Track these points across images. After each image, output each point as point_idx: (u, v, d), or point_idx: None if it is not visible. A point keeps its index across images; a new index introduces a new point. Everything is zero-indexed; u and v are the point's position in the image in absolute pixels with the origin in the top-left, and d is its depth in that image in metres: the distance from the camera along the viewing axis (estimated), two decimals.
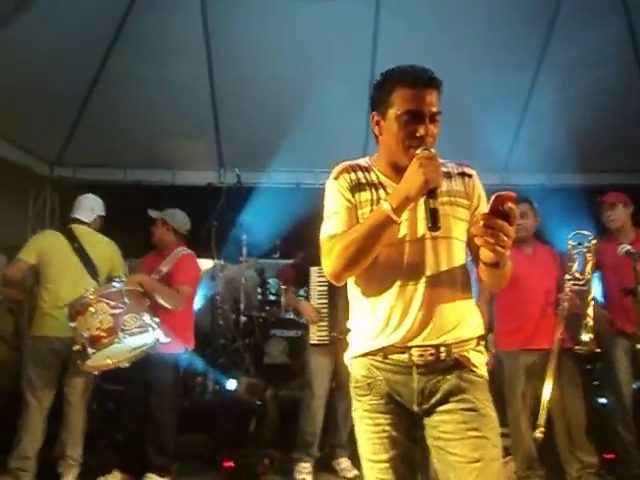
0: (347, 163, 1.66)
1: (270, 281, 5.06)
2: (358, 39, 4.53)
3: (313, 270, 3.57)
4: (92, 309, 2.96)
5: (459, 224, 1.60)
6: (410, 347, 1.55)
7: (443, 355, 1.55)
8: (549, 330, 3.06)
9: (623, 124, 4.73)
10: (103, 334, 2.93)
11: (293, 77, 4.64)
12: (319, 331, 3.51)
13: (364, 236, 1.49)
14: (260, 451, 3.64)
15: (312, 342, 3.54)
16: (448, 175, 1.63)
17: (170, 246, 3.65)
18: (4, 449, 3.21)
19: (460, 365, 1.57)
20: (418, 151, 1.47)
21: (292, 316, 4.75)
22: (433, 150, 1.48)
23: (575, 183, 5.19)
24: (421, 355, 1.55)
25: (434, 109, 1.53)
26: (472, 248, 1.59)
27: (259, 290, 5.05)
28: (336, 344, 3.43)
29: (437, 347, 1.54)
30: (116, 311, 2.99)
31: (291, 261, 5.11)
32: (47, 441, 3.26)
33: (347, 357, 1.69)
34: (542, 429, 2.92)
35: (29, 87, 4.11)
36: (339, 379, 3.53)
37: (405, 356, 1.55)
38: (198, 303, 4.83)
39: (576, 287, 3.03)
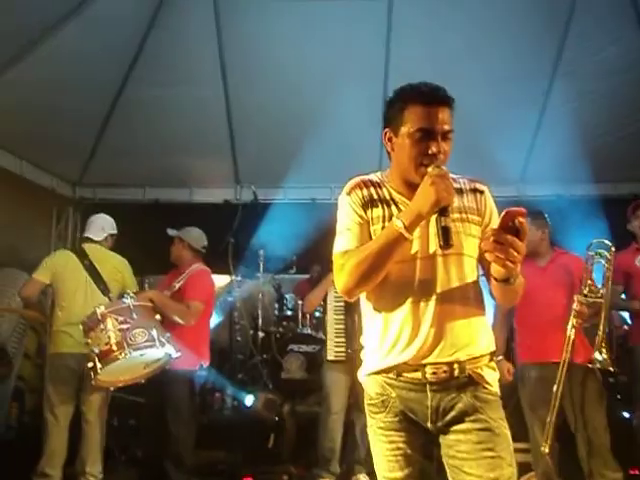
0: (359, 179, 1.67)
1: (287, 296, 5.08)
2: (371, 55, 4.58)
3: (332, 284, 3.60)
4: (102, 325, 3.03)
5: (470, 240, 1.60)
6: (424, 365, 1.55)
7: (457, 372, 1.55)
8: (563, 343, 3.01)
9: (638, 133, 4.68)
10: (112, 349, 2.98)
11: (307, 94, 4.70)
12: (336, 347, 3.53)
13: (376, 253, 1.50)
14: (279, 467, 3.65)
15: (329, 358, 3.54)
16: (460, 191, 1.63)
17: (186, 263, 3.71)
18: (30, 466, 3.26)
19: (474, 382, 1.56)
20: (430, 169, 1.48)
21: (309, 331, 4.76)
22: (445, 168, 1.49)
23: (592, 193, 5.13)
24: (434, 373, 1.55)
25: (446, 127, 1.54)
26: (484, 264, 1.59)
27: (276, 305, 5.08)
28: (353, 360, 3.44)
29: (450, 364, 1.55)
30: (124, 326, 3.05)
31: (307, 276, 5.14)
32: (69, 457, 3.31)
33: (361, 375, 1.69)
34: (547, 443, 2.87)
35: (51, 110, 4.23)
36: (356, 395, 3.52)
37: (418, 374, 1.56)
38: (216, 319, 4.87)
39: (588, 300, 2.96)
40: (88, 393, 3.33)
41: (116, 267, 3.59)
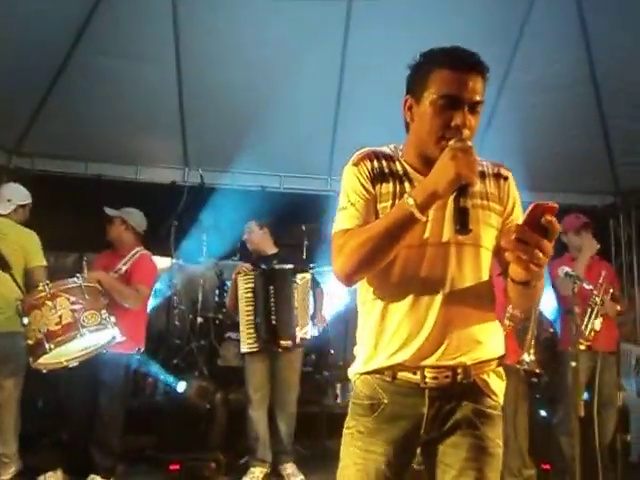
0: (370, 149, 1.48)
1: (228, 283, 5.03)
2: (327, 46, 4.57)
3: (239, 275, 3.63)
4: (50, 303, 2.89)
5: (489, 231, 1.42)
6: (423, 367, 1.38)
7: (460, 377, 1.38)
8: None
9: (579, 146, 4.91)
10: (64, 329, 2.87)
11: (262, 81, 4.64)
12: (248, 338, 3.56)
13: (382, 234, 1.31)
14: (207, 454, 3.62)
15: (242, 351, 3.58)
16: (482, 174, 1.43)
17: (128, 245, 3.63)
18: None
19: (478, 390, 1.41)
20: (452, 142, 1.28)
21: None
22: (470, 143, 1.29)
23: (529, 201, 5.33)
24: (435, 377, 1.38)
25: (476, 97, 1.33)
26: (501, 260, 1.40)
27: (217, 292, 5.03)
28: (269, 350, 3.51)
29: (454, 368, 1.38)
30: (76, 307, 2.94)
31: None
32: None
33: (351, 371, 1.53)
34: None
35: None
36: (274, 385, 3.61)
37: (417, 377, 1.39)
38: (154, 302, 4.78)
39: None
40: (1, 375, 3.16)
41: (18, 241, 3.32)
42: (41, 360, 2.90)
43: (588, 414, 2.87)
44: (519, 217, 1.42)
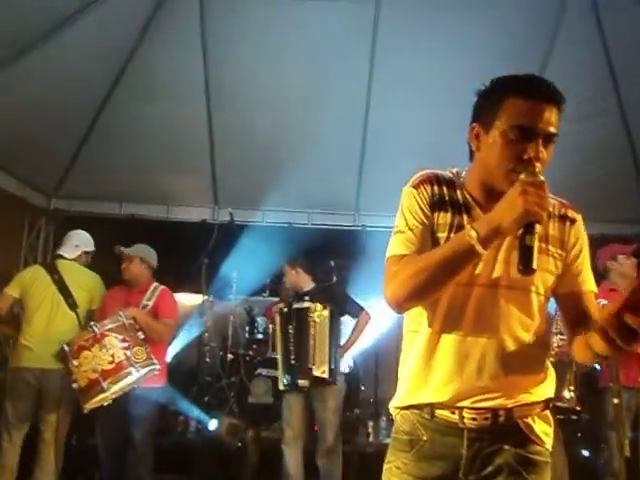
0: (431, 172, 1.41)
1: (258, 319, 5.06)
2: (352, 80, 4.65)
3: (275, 314, 3.71)
4: (100, 343, 3.00)
5: (544, 277, 1.35)
6: (462, 407, 1.32)
7: (502, 419, 1.32)
8: None
9: (609, 176, 4.85)
10: (120, 367, 2.98)
11: (290, 118, 4.77)
12: (281, 377, 3.60)
13: (439, 264, 1.25)
14: None
15: (280, 388, 3.58)
16: (549, 216, 1.33)
17: (145, 281, 3.66)
18: None
19: (522, 434, 1.33)
20: (522, 175, 1.20)
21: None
22: (542, 177, 1.21)
23: None
24: (474, 418, 1.32)
25: (552, 129, 1.25)
26: (562, 305, 1.39)
27: (247, 328, 5.05)
28: (309, 387, 3.49)
29: (494, 410, 1.31)
30: (125, 344, 3.05)
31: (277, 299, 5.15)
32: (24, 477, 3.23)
33: (392, 405, 1.47)
34: None
35: (32, 120, 4.21)
36: (316, 422, 3.57)
37: (455, 416, 1.33)
38: (185, 339, 4.82)
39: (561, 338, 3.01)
40: (47, 411, 3.26)
41: (86, 283, 3.57)
42: (95, 399, 2.97)
43: (634, 454, 2.73)
44: (584, 263, 1.38)
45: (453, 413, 1.33)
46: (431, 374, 1.36)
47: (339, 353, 3.78)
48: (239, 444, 3.80)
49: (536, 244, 1.18)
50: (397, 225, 1.39)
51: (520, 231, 1.20)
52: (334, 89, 4.62)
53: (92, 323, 3.09)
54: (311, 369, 3.48)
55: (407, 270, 1.29)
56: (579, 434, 3.81)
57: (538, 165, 1.23)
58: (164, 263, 3.80)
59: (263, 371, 4.52)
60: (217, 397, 4.65)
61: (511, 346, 1.32)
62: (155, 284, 3.68)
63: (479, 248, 1.21)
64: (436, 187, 1.37)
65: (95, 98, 4.65)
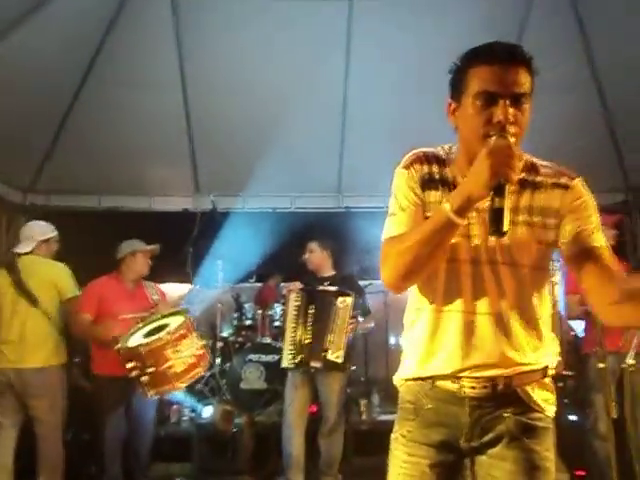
0: (422, 151, 1.41)
1: (246, 306, 5.06)
2: (330, 64, 4.62)
3: (290, 293, 3.66)
4: (193, 332, 3.21)
5: (540, 249, 1.35)
6: (461, 377, 1.37)
7: (500, 387, 1.35)
8: None
9: (586, 147, 4.91)
10: (204, 354, 3.24)
11: (268, 103, 4.71)
12: (288, 354, 3.57)
13: (421, 241, 1.27)
14: (236, 478, 3.61)
15: (282, 366, 3.59)
16: (536, 186, 1.35)
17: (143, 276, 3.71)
18: None
19: (521, 402, 1.37)
20: (493, 139, 1.21)
21: (269, 340, 4.75)
22: (511, 138, 1.21)
23: None
24: (473, 387, 1.36)
25: (517, 89, 1.25)
26: (588, 276, 1.31)
27: (235, 315, 5.05)
28: (308, 371, 3.51)
29: (493, 379, 1.35)
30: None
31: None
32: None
33: (396, 377, 1.53)
34: None
35: (1, 114, 4.10)
36: (320, 401, 3.61)
37: (455, 385, 1.38)
38: None
39: None
40: (32, 409, 3.24)
41: (47, 274, 3.43)
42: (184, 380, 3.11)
43: (620, 416, 2.82)
44: (590, 222, 1.34)
45: (454, 383, 1.38)
46: (434, 349, 1.39)
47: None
48: (234, 430, 3.82)
49: (507, 205, 1.18)
50: (390, 208, 1.40)
51: (491, 195, 1.19)
52: (312, 73, 4.58)
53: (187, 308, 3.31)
54: (326, 352, 3.48)
55: (395, 250, 1.32)
56: (565, 400, 3.90)
57: (512, 128, 1.24)
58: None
59: (254, 357, 4.53)
60: (209, 385, 4.66)
61: (509, 321, 1.35)
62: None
63: (455, 218, 1.22)
64: (426, 166, 1.38)
65: (67, 88, 4.53)
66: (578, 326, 4.30)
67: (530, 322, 1.38)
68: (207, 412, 3.94)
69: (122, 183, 5.29)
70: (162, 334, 3.01)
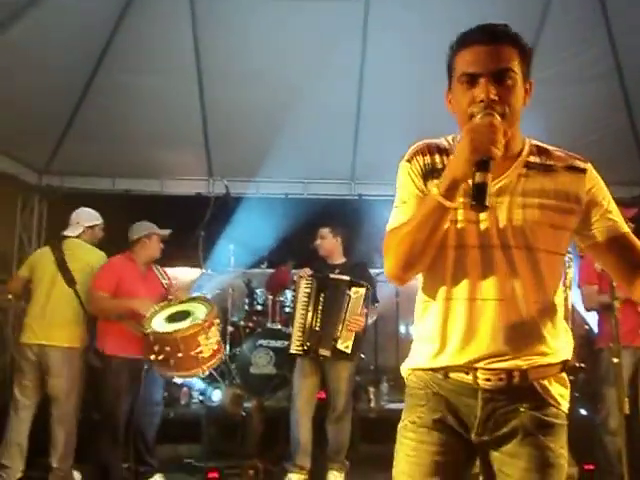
0: (425, 142, 1.40)
1: (257, 291, 5.07)
2: (347, 53, 4.58)
3: (301, 280, 3.64)
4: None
5: (553, 233, 1.31)
6: (476, 368, 1.30)
7: (516, 380, 1.29)
8: None
9: (607, 138, 4.82)
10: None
11: (283, 89, 4.68)
12: (296, 341, 3.56)
13: (417, 228, 1.26)
14: (245, 462, 3.64)
15: (289, 351, 3.59)
16: (547, 168, 1.33)
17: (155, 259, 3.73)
18: None
19: (538, 396, 1.31)
20: (477, 117, 1.21)
21: (279, 326, 4.76)
22: (495, 115, 1.20)
23: None
24: (488, 379, 1.29)
25: (497, 66, 1.24)
26: (616, 261, 1.36)
27: (246, 300, 5.06)
28: (317, 359, 3.51)
29: (509, 371, 1.29)
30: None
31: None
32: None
33: (404, 367, 1.47)
34: None
35: (19, 95, 4.11)
36: (328, 389, 3.60)
37: (469, 377, 1.31)
38: None
39: None
40: (51, 387, 3.32)
41: (88, 259, 3.58)
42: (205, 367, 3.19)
43: (633, 410, 2.79)
44: (609, 206, 1.35)
45: (467, 374, 1.32)
46: (446, 339, 1.34)
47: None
48: (243, 414, 3.85)
49: (489, 180, 1.16)
50: (395, 200, 1.40)
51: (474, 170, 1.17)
52: (329, 58, 4.53)
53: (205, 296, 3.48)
54: (336, 342, 3.47)
55: (392, 242, 1.32)
56: (577, 394, 3.88)
57: (499, 106, 1.23)
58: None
59: (264, 342, 4.55)
60: (219, 368, 4.67)
61: (523, 307, 1.30)
62: None
63: (444, 201, 1.22)
64: (428, 157, 1.37)
65: (84, 70, 4.54)
66: (591, 319, 4.26)
67: (547, 311, 1.33)
68: (217, 396, 3.97)
69: (137, 166, 5.31)
70: (199, 321, 3.09)
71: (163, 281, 3.66)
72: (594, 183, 1.35)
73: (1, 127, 4.34)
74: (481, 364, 1.30)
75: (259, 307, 5.02)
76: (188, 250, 4.87)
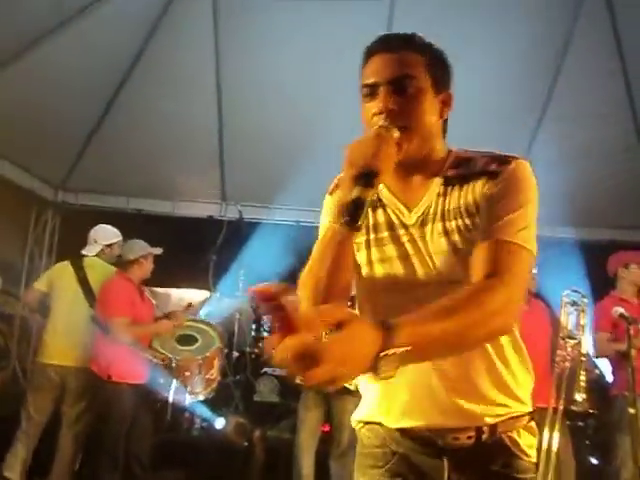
0: None
1: (265, 317, 5.02)
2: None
3: None
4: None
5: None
6: (439, 429, 1.16)
7: (485, 437, 1.15)
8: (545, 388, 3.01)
9: (623, 179, 4.81)
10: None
11: (300, 117, 4.73)
12: None
13: (316, 258, 1.16)
14: None
15: (298, 381, 3.53)
16: (463, 178, 1.16)
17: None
18: None
19: (506, 449, 1.16)
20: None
21: None
22: (392, 128, 1.09)
23: (571, 237, 5.21)
24: (456, 438, 1.15)
25: (392, 74, 1.13)
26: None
27: (253, 326, 5.02)
28: (324, 394, 3.45)
29: (478, 428, 1.15)
30: None
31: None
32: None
33: (354, 418, 1.33)
34: None
35: (41, 111, 4.19)
36: (332, 423, 3.54)
37: (433, 435, 1.17)
38: None
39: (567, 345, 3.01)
40: (68, 406, 3.31)
41: (104, 280, 3.52)
42: None
43: None
44: (505, 209, 1.09)
45: (430, 431, 1.16)
46: (392, 398, 1.19)
47: None
48: (245, 443, 3.78)
49: (369, 196, 1.01)
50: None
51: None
52: (345, 87, 4.55)
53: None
54: None
55: (305, 278, 1.17)
56: (587, 441, 3.79)
57: (398, 118, 1.11)
58: (170, 258, 3.77)
59: (269, 369, 4.49)
60: (222, 395, 4.61)
61: (472, 353, 1.13)
62: None
63: (333, 223, 1.14)
64: None
65: (105, 91, 4.62)
66: (601, 363, 4.18)
67: (503, 356, 1.17)
68: (220, 423, 3.90)
69: (151, 186, 5.34)
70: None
71: (153, 301, 3.64)
72: (506, 180, 1.12)
73: (21, 142, 4.41)
74: (447, 423, 1.15)
75: (265, 333, 4.97)
76: (196, 272, 4.86)
